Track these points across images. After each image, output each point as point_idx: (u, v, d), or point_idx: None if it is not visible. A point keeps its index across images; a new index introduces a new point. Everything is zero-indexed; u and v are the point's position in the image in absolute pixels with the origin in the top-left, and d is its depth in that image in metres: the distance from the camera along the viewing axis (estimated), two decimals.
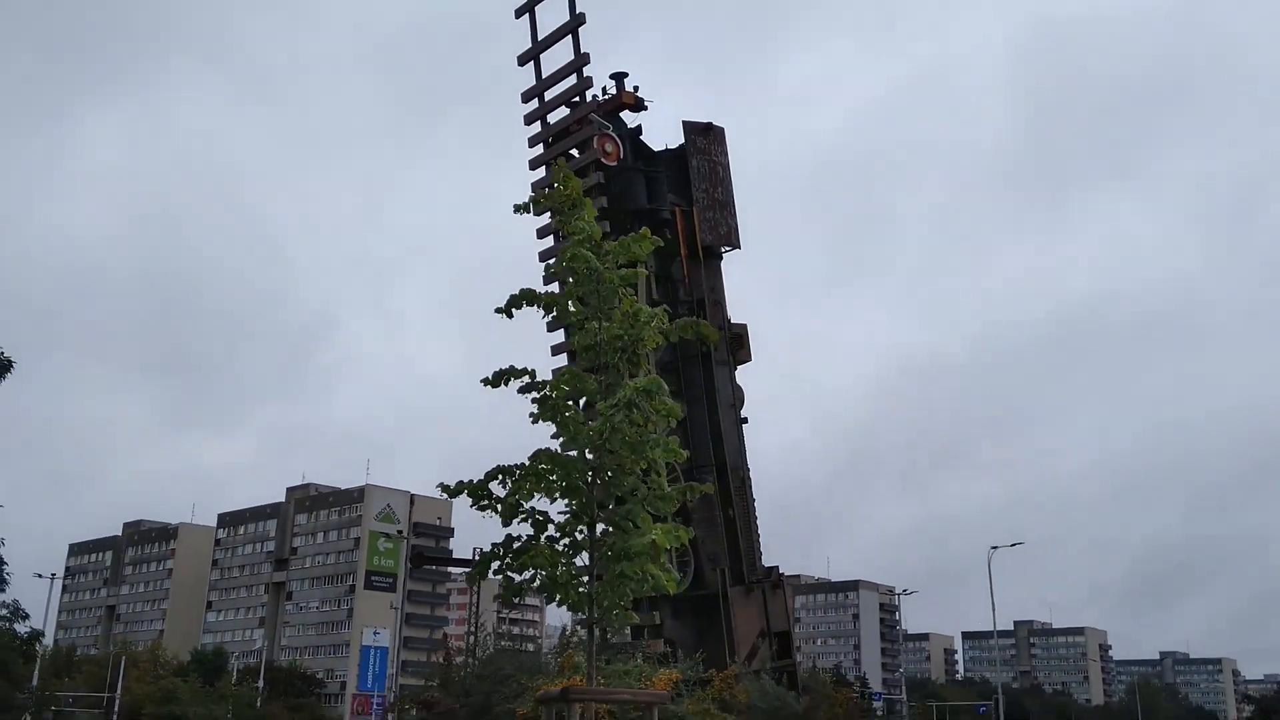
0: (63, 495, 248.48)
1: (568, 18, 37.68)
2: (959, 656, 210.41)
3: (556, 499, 10.19)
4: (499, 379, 10.33)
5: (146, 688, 73.13)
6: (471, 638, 42.10)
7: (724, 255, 39.61)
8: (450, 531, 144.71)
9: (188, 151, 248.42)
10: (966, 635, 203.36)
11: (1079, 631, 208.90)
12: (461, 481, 10.28)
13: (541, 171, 38.91)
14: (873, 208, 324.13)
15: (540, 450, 10.07)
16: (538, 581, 10.22)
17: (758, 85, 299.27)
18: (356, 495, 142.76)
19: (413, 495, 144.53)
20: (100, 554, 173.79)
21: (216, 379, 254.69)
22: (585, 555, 10.32)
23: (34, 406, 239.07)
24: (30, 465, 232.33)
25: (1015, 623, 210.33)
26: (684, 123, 39.24)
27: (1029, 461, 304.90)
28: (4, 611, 60.72)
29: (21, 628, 65.66)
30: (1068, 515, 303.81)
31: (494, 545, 10.46)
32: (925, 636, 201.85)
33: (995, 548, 67.97)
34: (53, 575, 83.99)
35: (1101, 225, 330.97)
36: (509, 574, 10.05)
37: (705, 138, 39.20)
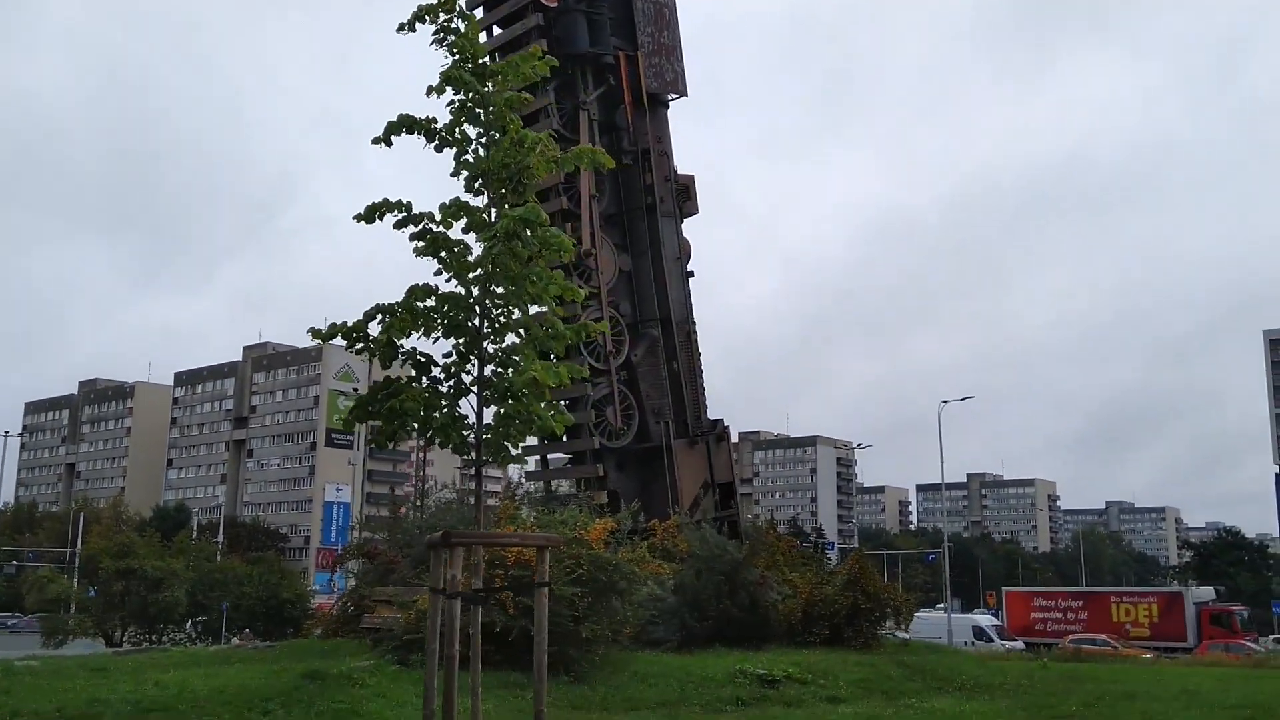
0: (23, 355, 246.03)
1: None
2: (913, 508, 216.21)
3: (438, 338, 9.51)
4: (371, 213, 9.55)
5: (104, 542, 73.63)
6: (417, 492, 42.16)
7: (670, 104, 38.41)
8: None
9: (147, 8, 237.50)
10: (921, 488, 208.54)
11: (1029, 483, 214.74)
12: (335, 324, 9.58)
13: (481, 12, 37.17)
14: (851, 62, 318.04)
15: (416, 286, 9.36)
16: (413, 425, 9.61)
17: None
18: (314, 354, 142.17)
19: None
20: (57, 413, 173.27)
21: (179, 240, 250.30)
22: (474, 399, 9.69)
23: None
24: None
25: (968, 475, 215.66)
26: None
27: (996, 320, 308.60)
28: None
29: None
30: (1030, 372, 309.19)
31: (372, 387, 9.88)
32: (881, 489, 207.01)
33: (945, 402, 68.97)
34: (5, 433, 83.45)
35: (1081, 85, 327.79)
36: (382, 418, 9.43)
37: None
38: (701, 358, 37.83)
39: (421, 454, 40.12)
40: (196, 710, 16.93)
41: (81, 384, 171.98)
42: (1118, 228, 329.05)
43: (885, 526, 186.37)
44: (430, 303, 9.66)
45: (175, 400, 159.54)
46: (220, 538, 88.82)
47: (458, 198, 9.97)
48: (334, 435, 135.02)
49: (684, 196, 38.08)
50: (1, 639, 62.58)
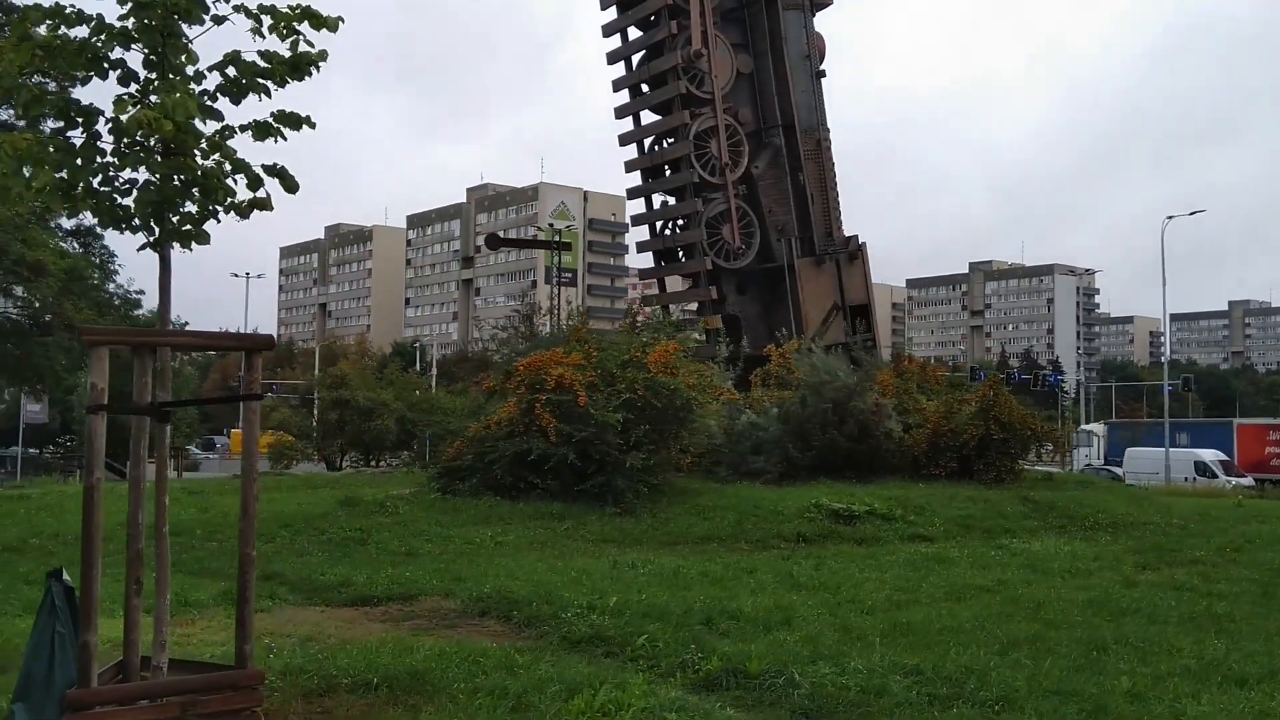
0: (312, 200, 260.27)
1: None
2: (1165, 339, 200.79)
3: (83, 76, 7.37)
4: None
5: (321, 376, 78.03)
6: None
7: None
8: (625, 226, 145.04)
9: None
10: (1174, 317, 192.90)
11: None
12: None
13: None
14: None
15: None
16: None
17: None
18: (531, 193, 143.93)
19: (586, 191, 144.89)
20: (308, 256, 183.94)
21: (460, 88, 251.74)
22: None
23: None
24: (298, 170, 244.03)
25: (1230, 302, 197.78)
26: None
27: None
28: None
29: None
30: None
31: None
32: (1129, 320, 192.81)
33: (1171, 218, 61.65)
34: (247, 275, 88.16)
35: None
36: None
37: None
38: (835, 168, 34.41)
39: (557, 267, 38.80)
40: (215, 531, 16.74)
41: (327, 229, 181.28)
42: None
43: (1134, 358, 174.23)
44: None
45: (409, 242, 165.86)
46: (433, 370, 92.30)
47: None
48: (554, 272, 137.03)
49: None
50: (230, 463, 67.39)
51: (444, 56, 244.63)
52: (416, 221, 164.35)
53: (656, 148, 33.98)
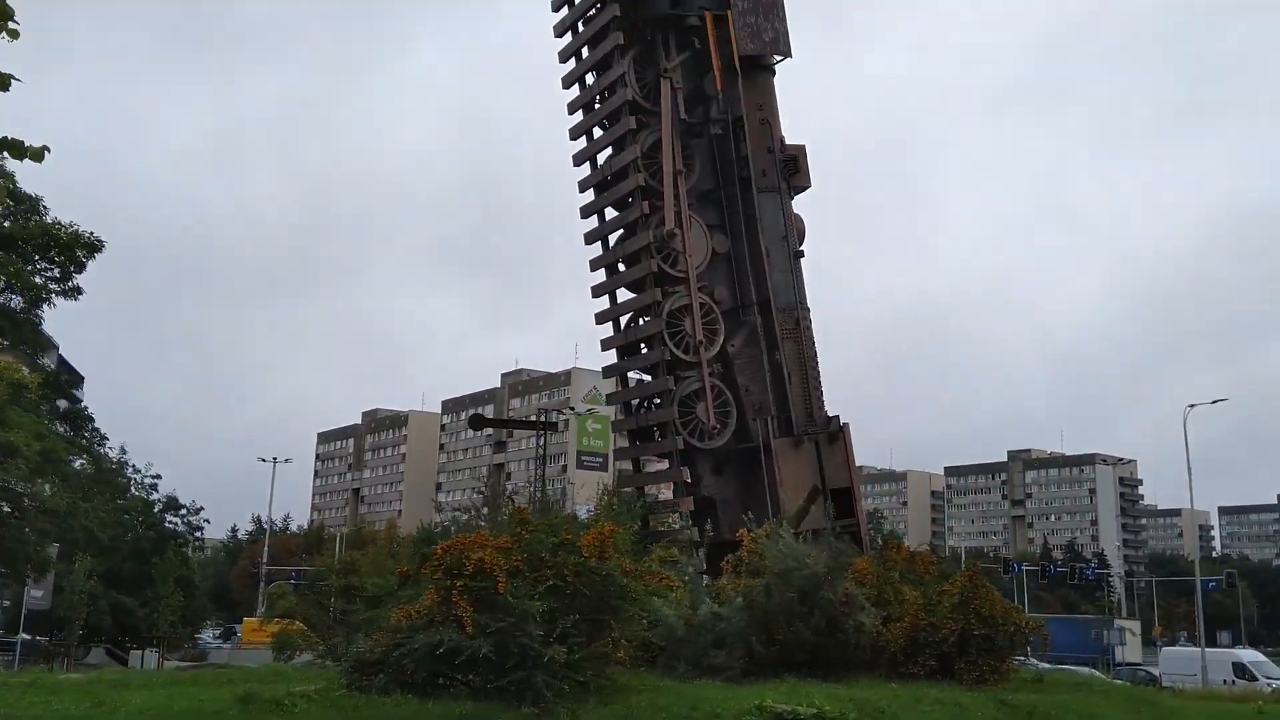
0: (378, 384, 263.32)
1: None
2: (1215, 533, 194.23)
3: None
4: None
5: (331, 562, 76.78)
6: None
7: (775, 68, 34.51)
8: None
9: (506, 57, 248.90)
10: (1223, 510, 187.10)
11: None
12: None
13: None
14: (1226, 46, 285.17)
15: None
16: None
17: None
18: (563, 378, 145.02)
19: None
20: (344, 441, 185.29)
21: (521, 282, 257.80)
22: None
23: (365, 305, 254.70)
24: (358, 359, 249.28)
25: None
26: None
27: None
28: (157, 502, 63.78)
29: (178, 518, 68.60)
30: None
31: None
32: (1176, 512, 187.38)
33: (1192, 406, 60.10)
34: (274, 460, 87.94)
35: None
36: None
37: None
38: (816, 348, 33.59)
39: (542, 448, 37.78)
40: None
41: (364, 414, 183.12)
42: None
43: (1183, 552, 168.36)
44: None
45: (443, 426, 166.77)
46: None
47: None
48: (583, 457, 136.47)
49: (792, 169, 34.08)
50: (250, 653, 65.61)
51: (494, 253, 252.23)
52: (451, 406, 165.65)
53: (632, 325, 33.55)
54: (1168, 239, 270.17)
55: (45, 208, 41.54)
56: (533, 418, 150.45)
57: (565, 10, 35.19)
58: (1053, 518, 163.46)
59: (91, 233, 40.83)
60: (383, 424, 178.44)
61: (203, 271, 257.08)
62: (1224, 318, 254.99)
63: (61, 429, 42.69)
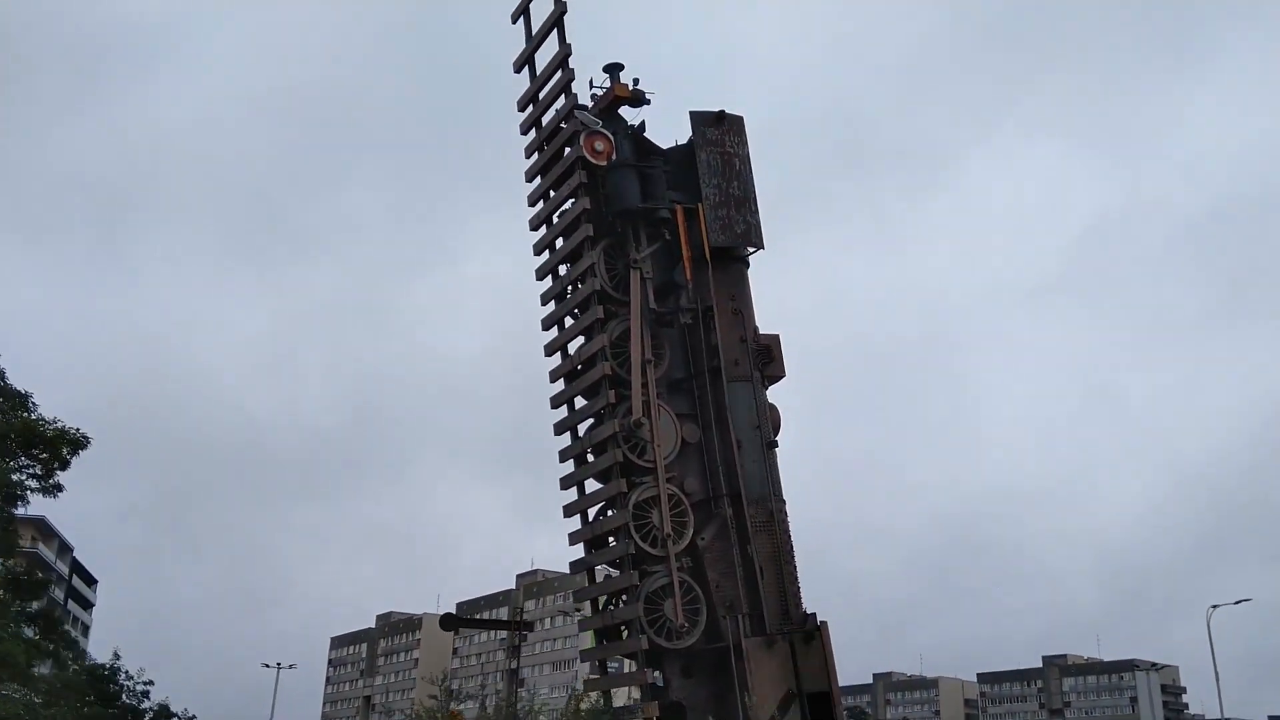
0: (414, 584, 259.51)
1: (552, 7, 34.36)
2: None
3: None
4: None
5: None
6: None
7: (748, 259, 34.57)
8: None
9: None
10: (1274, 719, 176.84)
11: None
12: None
13: (538, 181, 35.46)
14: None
15: None
16: None
17: None
18: (579, 579, 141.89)
19: None
20: (357, 646, 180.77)
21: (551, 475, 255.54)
22: None
23: (405, 504, 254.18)
24: (386, 560, 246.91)
25: None
26: (691, 113, 34.67)
27: None
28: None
29: None
30: None
31: None
32: None
33: (1215, 606, 57.50)
34: (279, 665, 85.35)
35: None
36: None
37: (717, 128, 34.45)
38: (792, 541, 32.26)
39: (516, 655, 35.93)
40: None
41: (378, 617, 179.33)
42: None
43: None
44: None
45: (456, 631, 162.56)
46: None
47: None
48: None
49: (766, 358, 33.64)
50: None
51: (535, 446, 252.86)
52: (465, 608, 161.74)
53: (600, 518, 32.45)
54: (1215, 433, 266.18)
55: (34, 404, 41.55)
56: (551, 619, 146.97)
57: (541, 204, 35.66)
58: None
59: (78, 429, 40.64)
60: (396, 628, 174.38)
61: (247, 469, 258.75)
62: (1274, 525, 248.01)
63: (29, 631, 41.24)
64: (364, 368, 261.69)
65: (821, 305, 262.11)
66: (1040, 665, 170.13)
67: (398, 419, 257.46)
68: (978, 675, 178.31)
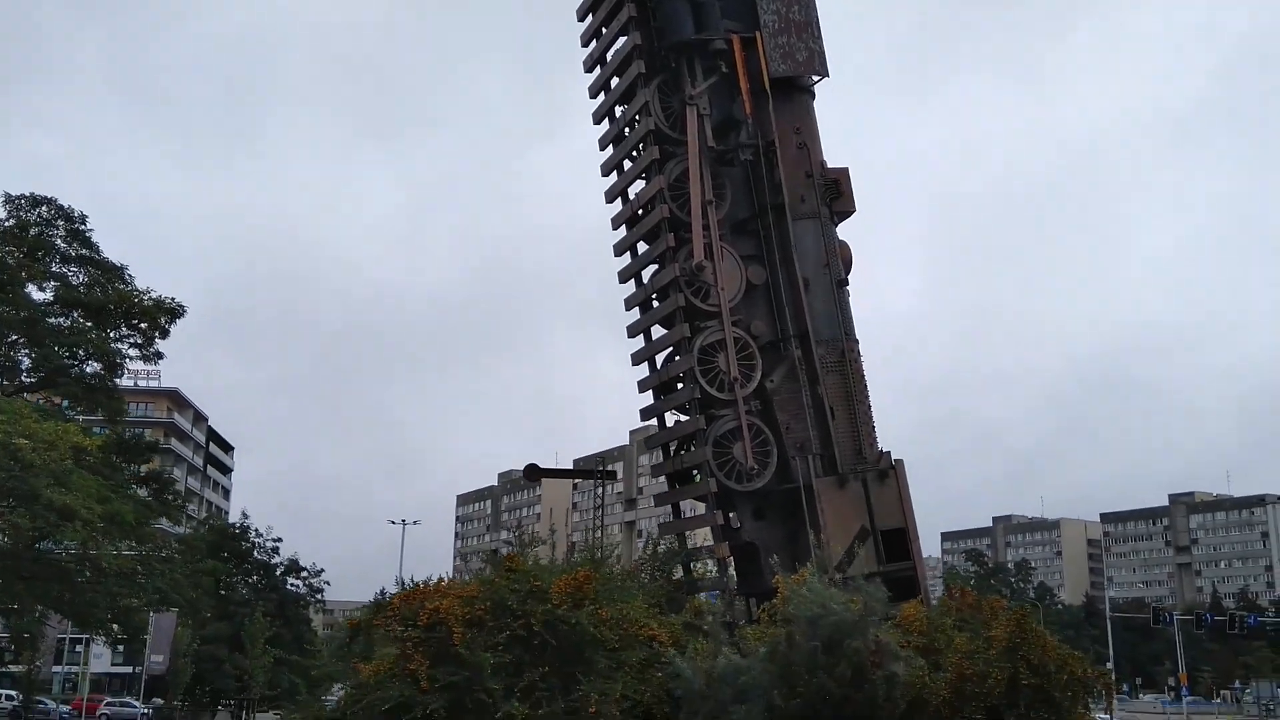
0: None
1: None
2: None
3: None
4: None
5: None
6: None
7: (813, 89, 32.81)
8: None
9: None
10: None
11: None
12: None
13: (589, 20, 33.96)
14: None
15: None
16: None
17: None
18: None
19: None
20: (481, 503, 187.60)
21: None
22: None
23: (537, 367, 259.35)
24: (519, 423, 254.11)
25: None
26: None
27: None
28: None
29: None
30: None
31: None
32: None
33: None
34: (404, 521, 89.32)
35: None
36: None
37: None
38: (866, 380, 31.39)
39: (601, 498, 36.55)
40: None
41: (500, 475, 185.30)
42: None
43: None
44: None
45: (575, 486, 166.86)
46: None
47: None
48: None
49: (833, 193, 32.21)
50: None
51: None
52: (582, 464, 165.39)
53: (667, 364, 32.04)
54: None
55: (130, 275, 42.72)
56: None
57: (594, 44, 34.35)
58: (1223, 564, 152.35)
59: (173, 299, 41.84)
60: (518, 485, 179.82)
61: (384, 342, 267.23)
62: None
63: (141, 492, 43.27)
64: (490, 237, 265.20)
65: (956, 149, 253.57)
66: (1166, 504, 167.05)
67: (525, 288, 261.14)
68: (1100, 515, 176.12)
